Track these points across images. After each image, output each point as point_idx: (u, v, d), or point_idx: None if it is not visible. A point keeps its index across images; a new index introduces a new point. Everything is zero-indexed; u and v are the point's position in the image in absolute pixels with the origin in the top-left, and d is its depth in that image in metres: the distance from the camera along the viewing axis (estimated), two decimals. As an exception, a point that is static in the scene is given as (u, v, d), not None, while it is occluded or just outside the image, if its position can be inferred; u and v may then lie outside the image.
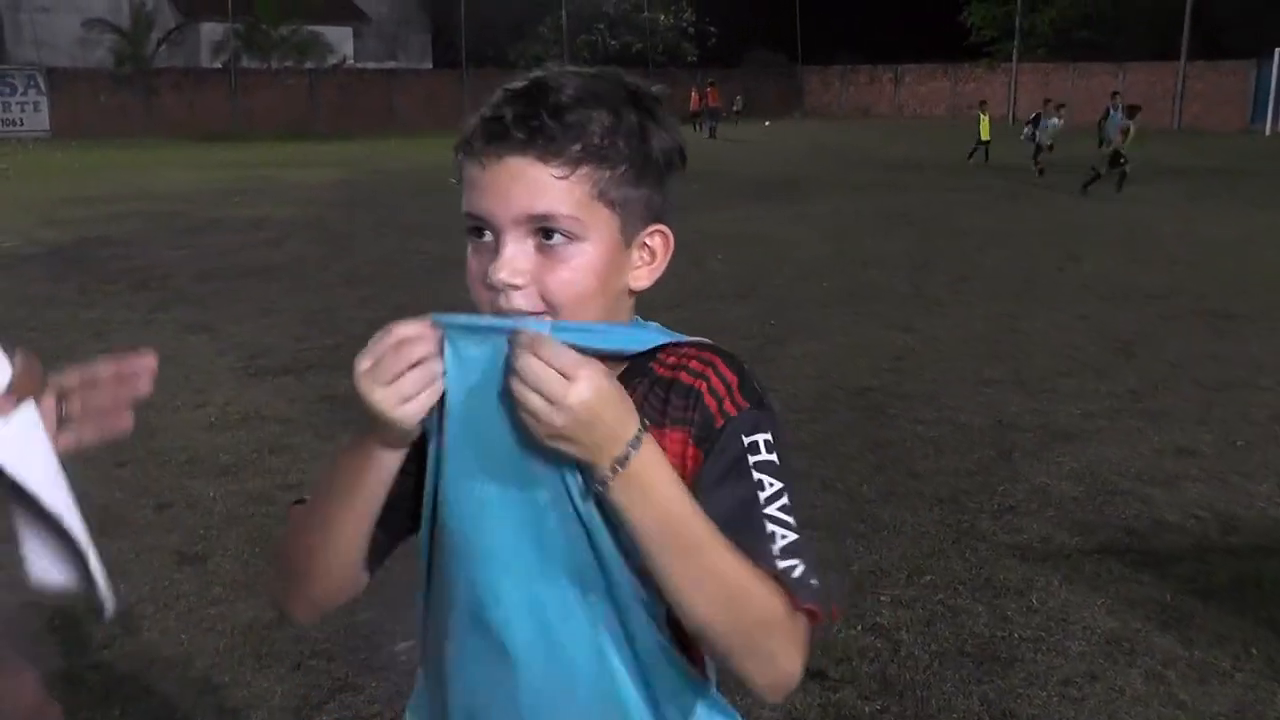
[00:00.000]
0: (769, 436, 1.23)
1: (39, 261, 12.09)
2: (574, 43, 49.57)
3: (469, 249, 1.24)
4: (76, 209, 16.63)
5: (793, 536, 1.19)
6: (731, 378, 1.25)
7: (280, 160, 26.71)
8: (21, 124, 37.03)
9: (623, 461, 1.13)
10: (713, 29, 52.84)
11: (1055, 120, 23.33)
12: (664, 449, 1.19)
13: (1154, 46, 43.48)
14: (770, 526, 1.19)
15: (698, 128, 37.99)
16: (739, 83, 48.77)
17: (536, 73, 1.24)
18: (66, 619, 4.07)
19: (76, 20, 42.98)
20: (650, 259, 1.29)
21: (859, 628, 3.96)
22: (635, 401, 1.18)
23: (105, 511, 5.05)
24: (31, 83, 37.69)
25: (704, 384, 1.24)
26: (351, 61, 47.00)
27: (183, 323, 8.97)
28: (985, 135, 25.23)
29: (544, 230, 1.18)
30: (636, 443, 1.14)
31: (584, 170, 1.18)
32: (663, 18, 52.72)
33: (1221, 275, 11.04)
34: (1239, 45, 40.69)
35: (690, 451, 1.23)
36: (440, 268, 11.57)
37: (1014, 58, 46.75)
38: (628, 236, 1.24)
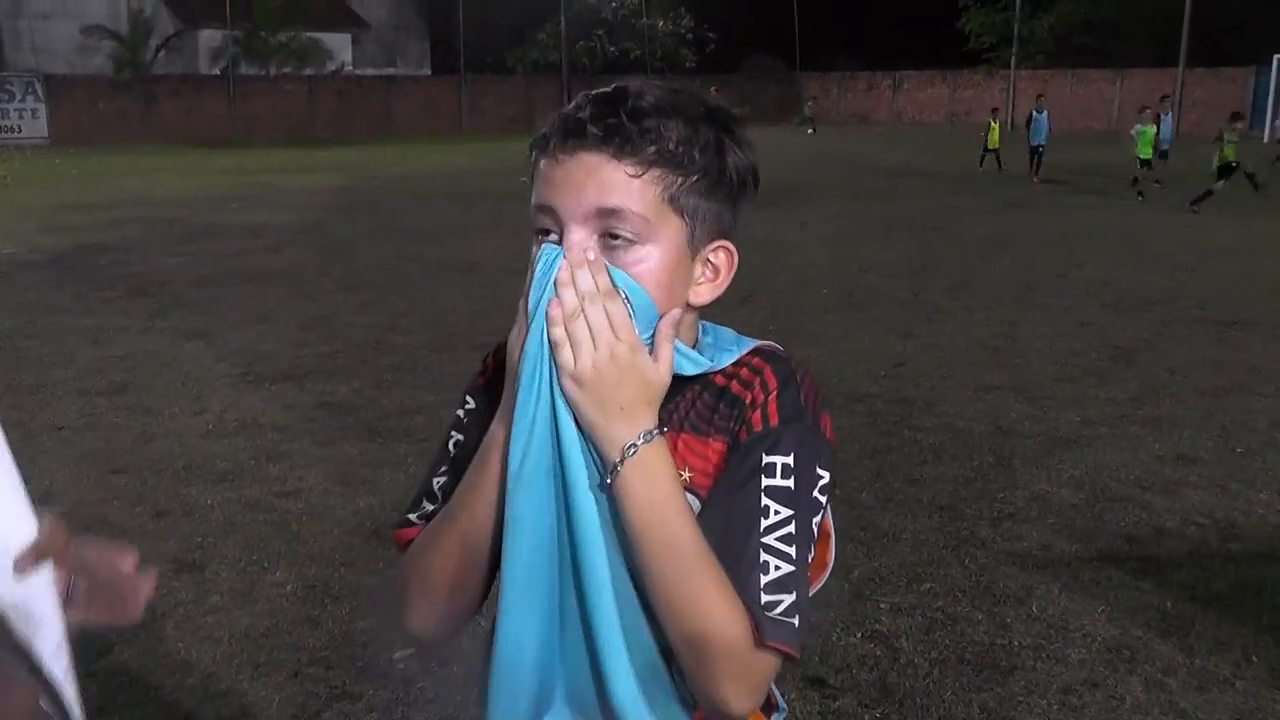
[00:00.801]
0: (790, 459, 1.20)
1: (37, 268, 12.08)
2: (572, 49, 49.58)
3: (533, 251, 1.22)
4: (75, 216, 16.63)
5: (787, 569, 1.17)
6: (773, 387, 1.23)
7: (279, 166, 26.72)
8: (20, 131, 37.00)
9: (633, 450, 1.15)
10: (711, 35, 52.84)
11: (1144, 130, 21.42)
12: (708, 458, 1.21)
13: (1153, 53, 43.52)
14: (764, 556, 1.17)
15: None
16: (737, 89, 48.82)
17: (619, 83, 1.24)
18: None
19: (75, 27, 42.95)
20: (714, 275, 1.28)
21: (858, 635, 3.95)
22: (684, 407, 1.21)
23: (102, 519, 5.05)
24: (30, 89, 37.67)
25: (749, 394, 1.24)
26: (350, 68, 46.98)
27: (180, 329, 8.95)
28: (994, 143, 24.81)
29: (610, 232, 1.18)
30: (650, 436, 1.15)
31: (657, 172, 1.18)
32: (661, 24, 52.73)
33: (1222, 282, 11.04)
34: (1238, 52, 40.76)
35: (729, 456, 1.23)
36: (438, 274, 11.57)
37: (1012, 64, 46.79)
38: (694, 248, 1.23)
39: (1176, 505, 5.21)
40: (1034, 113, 23.24)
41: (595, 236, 1.18)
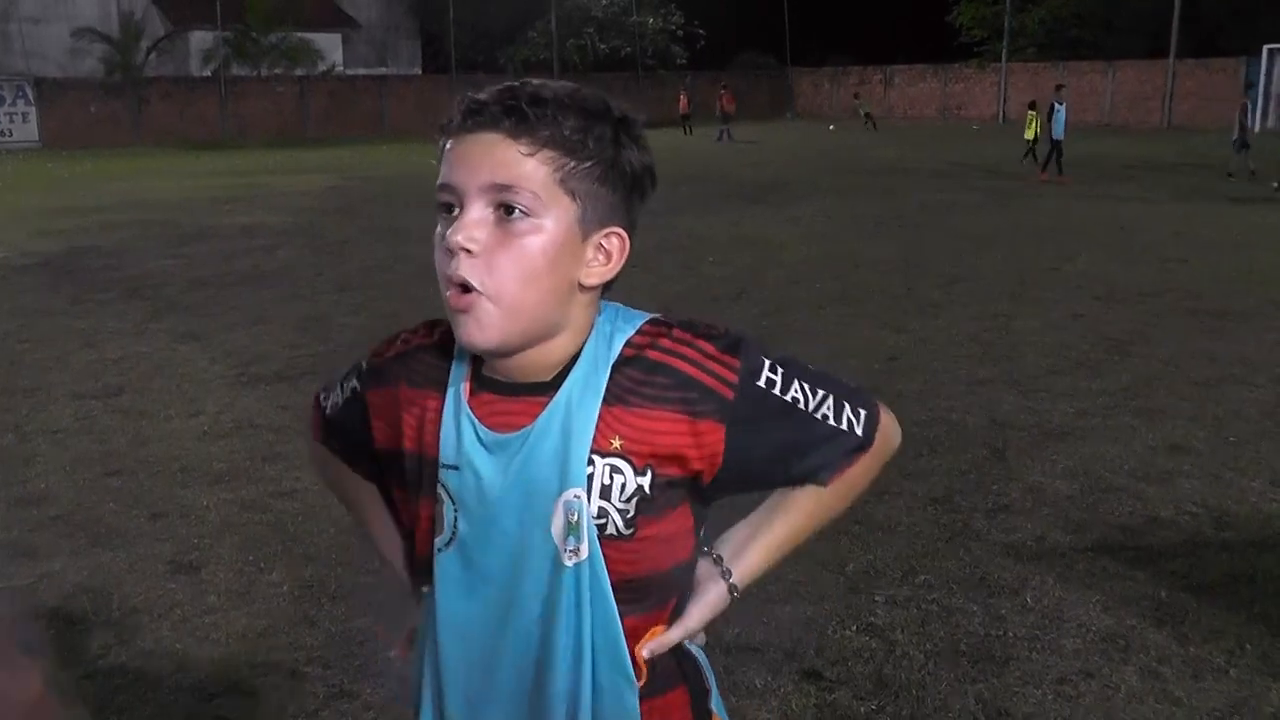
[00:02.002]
0: (766, 363, 1.35)
1: (30, 272, 12.07)
2: (563, 47, 49.54)
3: (438, 225, 1.29)
4: (67, 219, 16.61)
5: (833, 396, 1.39)
6: (706, 345, 1.32)
7: (271, 168, 26.69)
8: (11, 135, 36.90)
9: (735, 590, 1.44)
10: (701, 32, 52.79)
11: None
12: (635, 424, 1.29)
13: (1144, 45, 43.58)
14: (824, 411, 1.38)
15: (688, 130, 37.96)
16: (729, 84, 48.80)
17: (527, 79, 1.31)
18: (61, 629, 4.07)
19: (65, 30, 42.78)
20: (605, 260, 1.32)
21: (854, 628, 3.97)
22: (614, 384, 1.30)
23: (98, 522, 5.05)
24: (20, 93, 37.57)
25: (695, 368, 1.31)
26: (341, 68, 46.84)
27: (175, 331, 8.95)
28: (1031, 135, 23.78)
29: (505, 205, 1.24)
30: (728, 575, 1.43)
31: (550, 153, 1.24)
32: (651, 21, 52.68)
33: (1214, 273, 11.06)
34: (1229, 43, 40.80)
35: (704, 427, 1.30)
36: (431, 274, 11.53)
37: (1004, 58, 46.82)
38: (585, 230, 1.29)
39: (1170, 495, 5.23)
40: (1054, 105, 22.25)
41: (491, 209, 1.25)
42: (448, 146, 1.28)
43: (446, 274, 1.25)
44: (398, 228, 15.24)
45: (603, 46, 51.33)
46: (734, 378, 1.31)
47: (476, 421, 1.34)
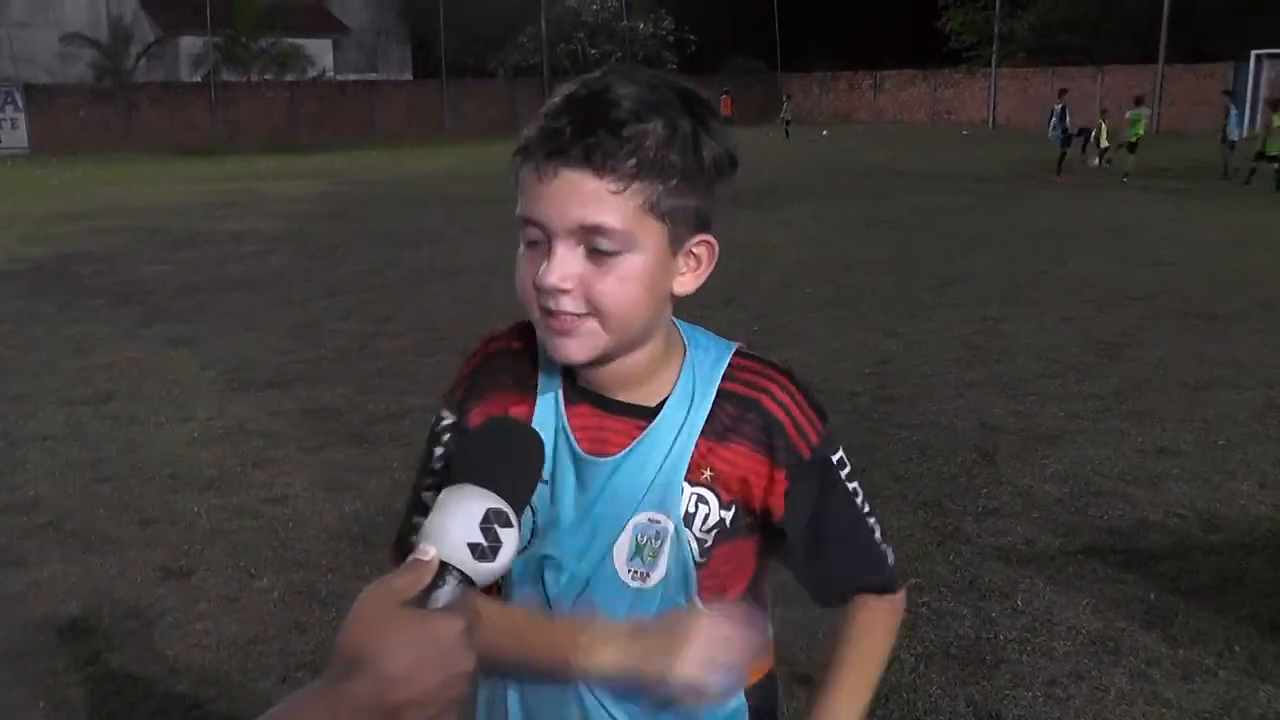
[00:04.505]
0: (840, 449, 1.42)
1: (20, 278, 12.04)
2: (554, 52, 49.56)
3: (520, 249, 1.27)
4: (58, 225, 16.57)
5: (874, 518, 1.45)
6: (804, 404, 1.38)
7: (261, 173, 26.65)
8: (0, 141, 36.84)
9: None
10: (692, 37, 52.85)
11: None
12: (734, 462, 1.33)
13: (1133, 50, 43.71)
14: (871, 523, 1.45)
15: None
16: (717, 90, 48.86)
17: (596, 77, 1.26)
18: (51, 636, 4.05)
19: (54, 35, 42.64)
20: (695, 265, 1.33)
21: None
22: (713, 418, 1.33)
23: (88, 528, 5.04)
24: (9, 99, 37.47)
25: (784, 413, 1.36)
26: (332, 73, 46.83)
27: (165, 337, 8.94)
28: (1105, 142, 24.22)
29: (594, 246, 1.22)
30: None
31: (637, 185, 1.21)
32: (642, 26, 52.75)
33: (1204, 276, 11.10)
34: (1218, 48, 40.92)
35: (779, 476, 1.35)
36: (423, 278, 11.57)
37: (993, 63, 46.93)
38: (675, 246, 1.28)
39: (1159, 498, 5.25)
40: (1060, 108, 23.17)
41: (580, 246, 1.22)
42: (527, 176, 1.24)
43: (545, 307, 1.24)
44: (389, 232, 15.24)
45: (593, 51, 51.32)
46: (816, 440, 1.37)
47: (573, 438, 1.34)
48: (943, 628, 4.01)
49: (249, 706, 3.57)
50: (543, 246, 1.23)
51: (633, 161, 1.20)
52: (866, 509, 1.44)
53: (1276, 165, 19.54)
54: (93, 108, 39.01)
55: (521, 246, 1.27)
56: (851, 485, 1.42)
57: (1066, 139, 23.46)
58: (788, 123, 41.43)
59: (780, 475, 1.34)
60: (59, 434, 6.46)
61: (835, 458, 1.40)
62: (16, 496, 5.48)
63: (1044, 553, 4.65)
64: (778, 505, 1.36)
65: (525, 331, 1.39)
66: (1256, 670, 3.70)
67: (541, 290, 1.23)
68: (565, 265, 1.22)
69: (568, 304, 1.22)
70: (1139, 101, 24.33)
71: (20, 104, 37.60)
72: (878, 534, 1.45)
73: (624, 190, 1.20)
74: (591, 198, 1.20)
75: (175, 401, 7.06)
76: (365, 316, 9.65)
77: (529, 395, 1.37)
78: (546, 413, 1.35)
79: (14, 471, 5.84)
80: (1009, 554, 4.64)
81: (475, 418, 1.39)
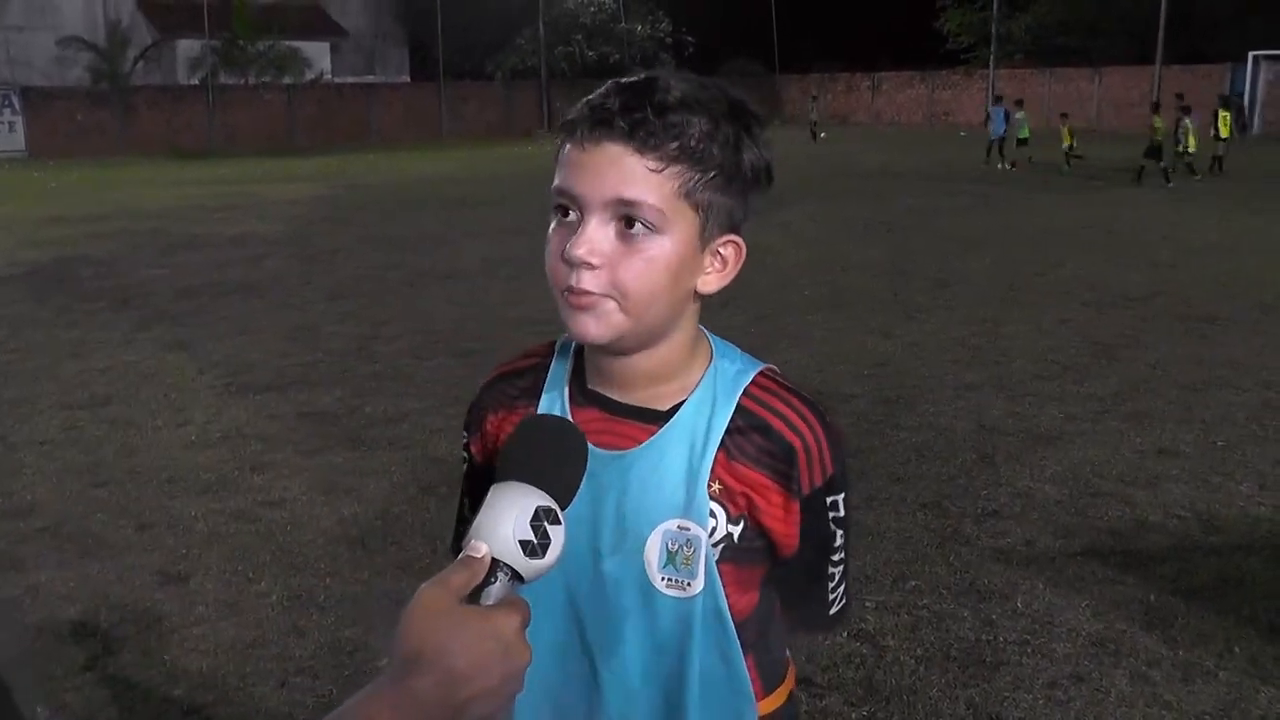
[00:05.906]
0: (841, 496, 1.41)
1: (18, 282, 12.03)
2: (551, 54, 49.54)
3: (551, 226, 1.28)
4: (55, 229, 16.55)
5: (841, 574, 1.46)
6: (823, 439, 1.37)
7: (259, 176, 26.64)
8: (-4, 144, 36.80)
9: None
10: (690, 39, 52.84)
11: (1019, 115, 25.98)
12: (742, 480, 1.33)
13: (1131, 51, 43.73)
14: (831, 570, 1.44)
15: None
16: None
17: (649, 72, 1.29)
18: (48, 641, 4.04)
19: (51, 38, 42.57)
20: (722, 266, 1.33)
21: (844, 634, 3.96)
22: (730, 434, 1.33)
23: (86, 533, 5.03)
24: (6, 102, 37.39)
25: (800, 443, 1.35)
26: (329, 76, 46.80)
27: (163, 341, 8.92)
28: (1192, 146, 23.15)
29: (627, 218, 1.22)
30: None
31: (676, 168, 1.22)
32: (639, 28, 52.74)
33: (1203, 278, 11.10)
34: (1216, 50, 40.95)
35: (793, 506, 1.35)
36: (421, 282, 11.56)
37: (991, 64, 46.95)
38: (705, 240, 1.28)
39: (1158, 499, 5.25)
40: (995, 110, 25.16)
41: (613, 222, 1.23)
42: (569, 150, 1.26)
43: (567, 284, 1.24)
44: (386, 236, 15.23)
45: (591, 54, 51.31)
46: (820, 482, 1.36)
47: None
48: (942, 630, 4.01)
49: (247, 711, 3.57)
50: (574, 223, 1.24)
51: (675, 145, 1.22)
52: (836, 558, 1.43)
53: (1161, 163, 21.35)
54: (90, 111, 38.95)
55: (552, 223, 1.28)
56: (838, 533, 1.41)
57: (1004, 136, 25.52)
58: (814, 123, 40.87)
59: (793, 507, 1.35)
60: (56, 438, 6.45)
61: (830, 500, 1.38)
62: (13, 501, 5.47)
63: (1044, 554, 4.65)
64: (780, 530, 1.36)
65: (537, 351, 1.43)
66: (1257, 671, 3.70)
67: (568, 262, 1.23)
68: (595, 240, 1.22)
69: (589, 281, 1.23)
70: (1019, 104, 27.19)
71: (18, 107, 37.53)
72: (838, 587, 1.46)
73: (663, 170, 1.22)
74: (630, 172, 1.21)
75: (173, 405, 7.05)
76: (363, 320, 9.64)
77: (533, 401, 1.39)
78: (549, 409, 1.37)
79: (11, 476, 5.83)
80: (1008, 555, 4.64)
81: (489, 425, 1.44)
